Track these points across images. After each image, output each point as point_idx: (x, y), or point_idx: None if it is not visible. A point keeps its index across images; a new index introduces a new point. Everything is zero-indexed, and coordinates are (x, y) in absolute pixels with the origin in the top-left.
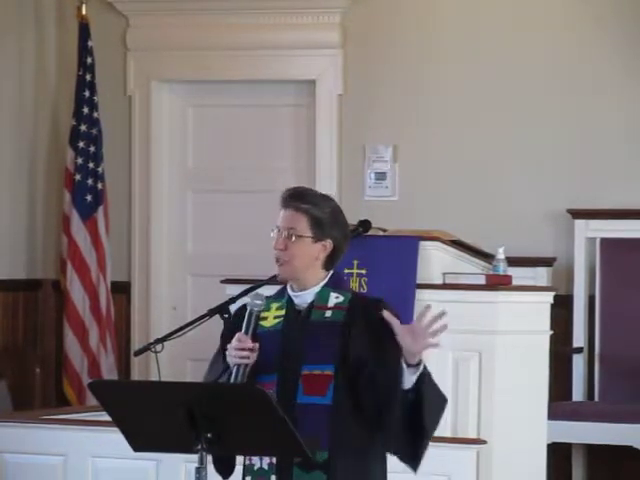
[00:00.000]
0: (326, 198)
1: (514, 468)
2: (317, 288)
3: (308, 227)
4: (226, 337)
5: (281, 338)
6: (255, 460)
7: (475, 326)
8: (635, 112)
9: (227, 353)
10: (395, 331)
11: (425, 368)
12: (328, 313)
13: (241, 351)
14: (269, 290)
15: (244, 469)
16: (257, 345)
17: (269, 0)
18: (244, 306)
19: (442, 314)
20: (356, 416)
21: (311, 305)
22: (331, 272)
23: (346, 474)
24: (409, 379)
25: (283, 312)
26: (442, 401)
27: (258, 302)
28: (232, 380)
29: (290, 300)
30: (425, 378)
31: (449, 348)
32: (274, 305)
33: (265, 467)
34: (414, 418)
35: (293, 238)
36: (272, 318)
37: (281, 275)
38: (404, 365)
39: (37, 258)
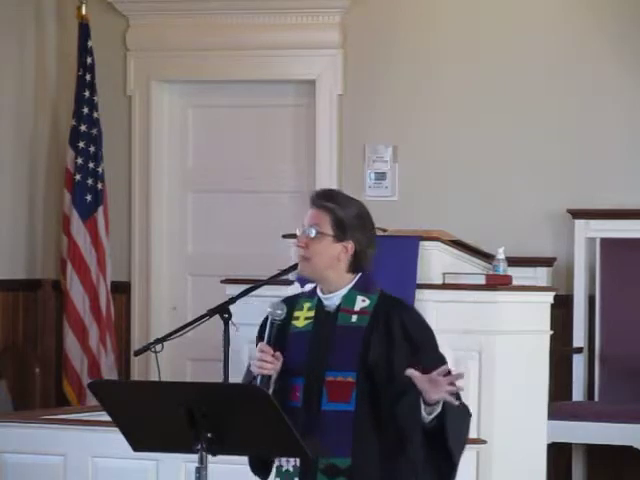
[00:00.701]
0: (354, 201)
1: (514, 468)
2: (344, 291)
3: (330, 226)
4: (257, 341)
5: (309, 340)
6: (283, 462)
7: (475, 326)
8: (635, 112)
9: (251, 362)
10: (414, 380)
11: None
12: (354, 317)
13: (263, 362)
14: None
15: (275, 470)
16: (279, 354)
17: (269, 0)
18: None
19: (460, 375)
20: (379, 423)
21: (338, 308)
22: (359, 275)
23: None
24: (427, 416)
25: (313, 313)
26: (466, 418)
27: (278, 312)
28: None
29: (320, 301)
30: (446, 407)
31: (449, 348)
32: (306, 305)
33: (290, 469)
34: (438, 443)
35: (314, 234)
36: (303, 319)
37: (300, 272)
38: (422, 404)
39: (37, 258)
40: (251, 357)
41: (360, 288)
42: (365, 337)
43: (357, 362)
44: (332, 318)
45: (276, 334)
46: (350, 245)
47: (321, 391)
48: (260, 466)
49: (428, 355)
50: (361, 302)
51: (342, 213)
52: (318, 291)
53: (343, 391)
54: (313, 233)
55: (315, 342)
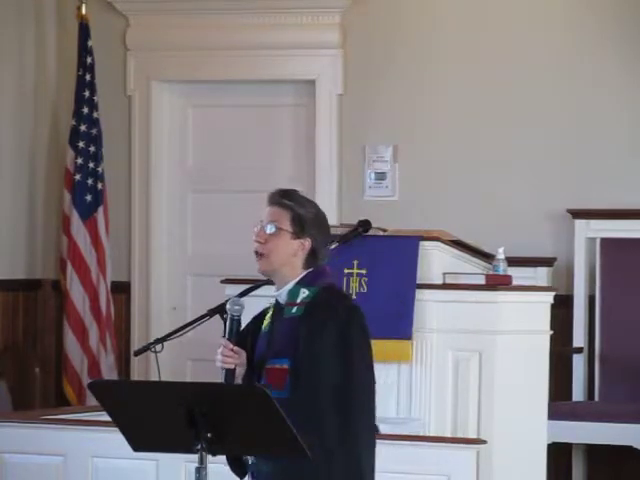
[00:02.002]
0: (310, 202)
1: (514, 468)
2: (290, 286)
3: (289, 223)
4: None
5: (268, 338)
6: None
7: (475, 326)
8: (635, 112)
9: (215, 357)
10: None
11: None
12: (294, 309)
13: (224, 356)
14: (269, 290)
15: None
16: (238, 349)
17: (269, 0)
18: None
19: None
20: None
21: (285, 302)
22: (309, 270)
23: (301, 466)
24: None
25: (271, 312)
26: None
27: (236, 307)
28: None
29: (277, 300)
30: None
31: (449, 348)
32: (270, 310)
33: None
34: None
35: (273, 230)
36: (266, 320)
37: (259, 268)
38: None
39: (37, 258)
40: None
41: (306, 282)
42: (299, 325)
43: (291, 350)
44: (279, 312)
45: (236, 329)
46: (307, 242)
47: (260, 379)
48: (237, 464)
49: (326, 361)
50: (302, 294)
51: (301, 210)
52: (273, 288)
53: (278, 378)
54: (272, 229)
55: (269, 338)
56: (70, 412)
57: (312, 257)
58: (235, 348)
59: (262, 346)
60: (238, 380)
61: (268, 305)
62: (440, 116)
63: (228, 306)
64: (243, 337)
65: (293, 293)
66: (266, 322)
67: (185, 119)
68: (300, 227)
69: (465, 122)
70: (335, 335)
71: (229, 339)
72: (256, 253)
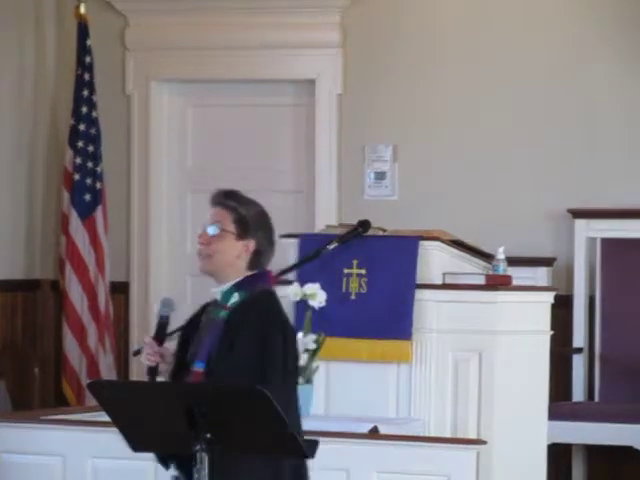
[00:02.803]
0: (254, 202)
1: (514, 468)
2: (225, 287)
3: (232, 224)
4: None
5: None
6: None
7: (475, 326)
8: (635, 112)
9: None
10: None
11: None
12: (223, 312)
13: (148, 354)
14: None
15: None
16: (161, 348)
17: (269, 0)
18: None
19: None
20: None
21: (217, 304)
22: (250, 273)
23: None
24: None
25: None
26: None
27: (165, 309)
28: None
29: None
30: None
31: (449, 348)
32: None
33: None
34: None
35: (217, 231)
36: (204, 317)
37: (201, 269)
38: None
39: (36, 258)
40: None
41: (242, 286)
42: (219, 330)
43: (207, 353)
44: (208, 313)
45: (162, 329)
46: (251, 244)
47: (182, 380)
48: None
49: (244, 347)
50: (233, 298)
51: (244, 212)
52: (213, 289)
53: (195, 381)
54: (215, 231)
55: (199, 336)
56: (70, 412)
57: (256, 258)
58: (157, 348)
59: (194, 344)
60: (165, 377)
61: (168, 309)
62: (440, 116)
63: (158, 307)
64: (183, 333)
65: (226, 295)
66: (204, 319)
67: (184, 119)
68: (244, 228)
69: (465, 122)
70: (248, 346)
71: (154, 339)
72: (199, 254)
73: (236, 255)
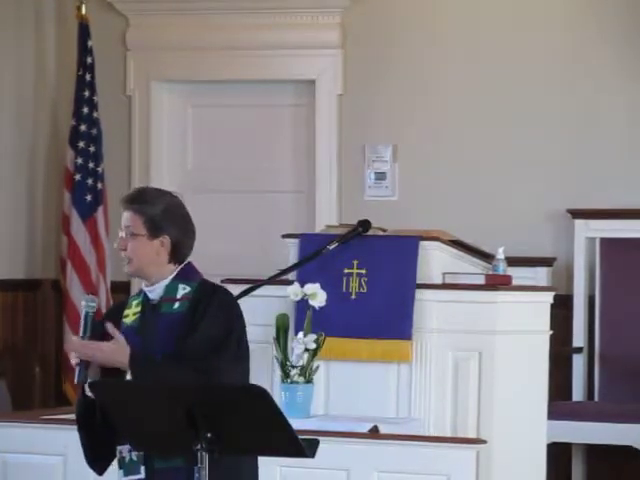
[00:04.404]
0: (162, 195)
1: (514, 468)
2: (166, 281)
3: (142, 225)
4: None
5: (138, 332)
6: (125, 452)
7: (475, 326)
8: (635, 112)
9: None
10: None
11: None
12: (176, 305)
13: (83, 352)
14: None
15: (118, 462)
16: (95, 342)
17: (269, 0)
18: (111, 310)
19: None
20: None
21: (162, 298)
22: (182, 265)
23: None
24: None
25: (139, 309)
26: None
27: (92, 304)
28: (76, 378)
29: (145, 295)
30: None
31: (449, 348)
32: (134, 302)
33: (134, 458)
34: None
35: (130, 235)
36: (132, 315)
37: (128, 272)
38: None
39: (37, 258)
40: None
41: (183, 277)
42: (186, 321)
43: (177, 345)
44: (157, 308)
45: (91, 324)
46: (166, 239)
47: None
48: (96, 458)
49: (205, 327)
50: (182, 290)
51: (151, 211)
52: (143, 286)
53: None
54: (128, 235)
55: (142, 333)
56: (70, 412)
57: (176, 250)
58: (90, 343)
59: (134, 342)
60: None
61: (124, 300)
62: (440, 116)
63: (83, 302)
64: (99, 332)
65: (171, 289)
66: (132, 317)
67: (185, 119)
68: (154, 227)
69: (465, 122)
70: (220, 321)
71: (84, 336)
72: (124, 259)
73: (155, 253)
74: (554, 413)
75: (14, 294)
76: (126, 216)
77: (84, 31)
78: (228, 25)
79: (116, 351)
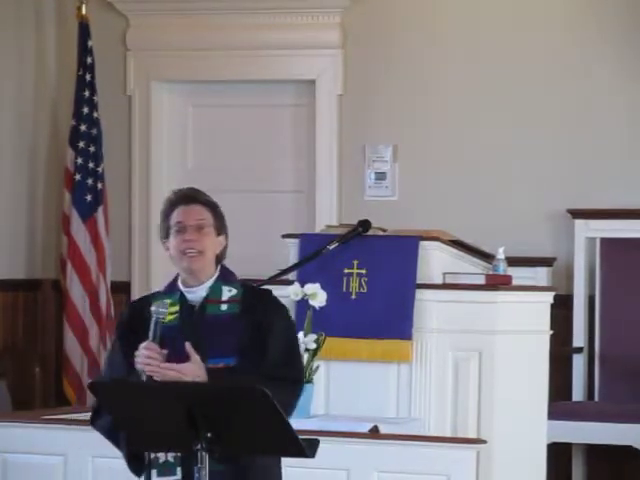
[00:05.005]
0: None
1: (514, 468)
2: (210, 282)
3: (213, 220)
4: (123, 338)
5: (180, 333)
6: (160, 453)
7: (475, 326)
8: (635, 112)
9: (136, 360)
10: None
11: None
12: (224, 307)
13: (150, 359)
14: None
15: (149, 463)
16: (165, 351)
17: (269, 0)
18: (131, 309)
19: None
20: None
21: (205, 299)
22: (220, 266)
23: (249, 465)
24: None
25: (177, 308)
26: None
27: (163, 310)
28: None
29: (182, 296)
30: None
31: (449, 348)
32: (168, 301)
33: (171, 460)
34: None
35: (205, 229)
36: (169, 314)
37: (191, 266)
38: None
39: (37, 258)
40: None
41: (223, 278)
42: (240, 323)
43: (236, 348)
44: (200, 309)
45: (160, 331)
46: (224, 239)
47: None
48: (135, 459)
49: (276, 342)
50: (227, 292)
51: (216, 208)
52: (180, 285)
53: (222, 377)
54: (202, 228)
55: (186, 335)
56: (70, 412)
57: (224, 253)
58: (162, 352)
59: (173, 342)
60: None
61: (145, 297)
62: (440, 116)
63: (153, 308)
64: (128, 335)
65: (215, 290)
66: (170, 316)
67: (185, 119)
68: (220, 224)
69: (465, 122)
70: (282, 329)
71: (153, 341)
72: (188, 252)
73: (216, 250)
74: (554, 413)
75: (14, 294)
76: (196, 209)
77: (84, 31)
78: (228, 25)
79: (195, 371)
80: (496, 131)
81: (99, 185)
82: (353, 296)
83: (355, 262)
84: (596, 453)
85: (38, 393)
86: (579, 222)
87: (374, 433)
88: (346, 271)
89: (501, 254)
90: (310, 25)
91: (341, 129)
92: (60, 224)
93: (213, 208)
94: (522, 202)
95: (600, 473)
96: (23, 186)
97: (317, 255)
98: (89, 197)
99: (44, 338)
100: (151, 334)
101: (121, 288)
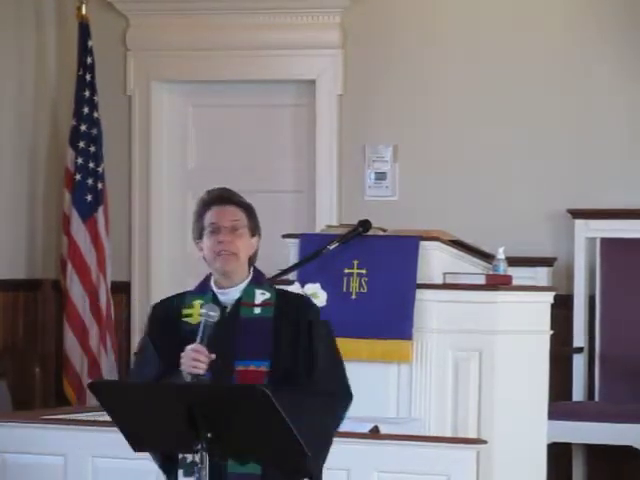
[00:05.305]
0: None
1: (514, 468)
2: (243, 285)
3: (247, 221)
4: (155, 340)
5: (219, 337)
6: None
7: (475, 326)
8: (635, 112)
9: (182, 361)
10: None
11: None
12: (257, 310)
13: (198, 362)
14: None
15: (180, 463)
16: (213, 355)
17: (269, 0)
18: (161, 308)
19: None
20: None
21: (238, 302)
22: (252, 269)
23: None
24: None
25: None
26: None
27: (213, 313)
28: None
29: (215, 297)
30: None
31: (449, 348)
32: (197, 302)
33: (197, 460)
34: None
35: (239, 230)
36: (197, 315)
37: (225, 267)
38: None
39: (37, 258)
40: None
41: (255, 281)
42: (274, 327)
43: (269, 351)
44: (233, 311)
45: (209, 334)
46: (257, 241)
47: (230, 381)
48: (165, 460)
49: (320, 348)
50: (260, 295)
51: (251, 209)
52: (212, 285)
53: (254, 380)
54: (237, 228)
55: (218, 336)
56: (70, 412)
57: (256, 255)
58: (210, 355)
59: (212, 346)
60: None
61: (170, 298)
62: (440, 116)
63: (203, 311)
64: (159, 336)
65: (249, 292)
66: (199, 319)
67: (185, 119)
68: (255, 225)
69: (465, 122)
70: (322, 332)
71: (201, 344)
72: (220, 254)
73: (249, 252)
74: (554, 413)
75: (14, 294)
76: (230, 210)
77: (84, 31)
78: (228, 25)
79: None
80: (496, 131)
81: (99, 185)
82: (353, 296)
83: (355, 262)
84: (596, 453)
85: (38, 393)
86: (579, 222)
87: (374, 433)
88: (346, 271)
89: (501, 254)
90: (310, 25)
91: (341, 129)
92: (60, 224)
93: (247, 209)
94: (522, 202)
95: (600, 473)
96: (23, 186)
97: (317, 255)
98: (89, 197)
99: (44, 338)
100: (199, 336)
101: (121, 288)
